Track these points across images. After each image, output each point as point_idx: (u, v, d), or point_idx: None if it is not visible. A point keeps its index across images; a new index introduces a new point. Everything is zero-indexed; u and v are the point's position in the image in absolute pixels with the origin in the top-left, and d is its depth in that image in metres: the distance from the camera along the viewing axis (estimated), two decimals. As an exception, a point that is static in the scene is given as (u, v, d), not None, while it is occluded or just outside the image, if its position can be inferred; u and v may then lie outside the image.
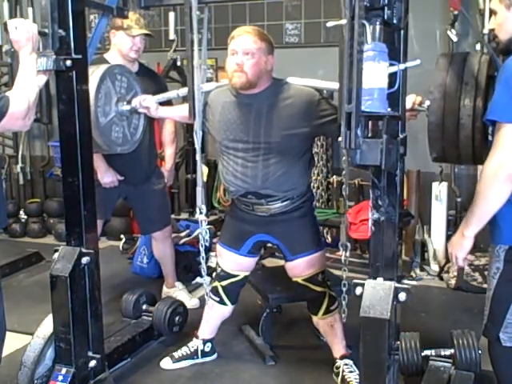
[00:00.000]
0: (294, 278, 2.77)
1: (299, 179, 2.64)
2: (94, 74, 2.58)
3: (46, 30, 2.12)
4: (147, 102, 2.79)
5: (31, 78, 2.10)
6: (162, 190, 3.58)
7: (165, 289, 3.74)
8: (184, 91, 2.68)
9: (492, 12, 1.98)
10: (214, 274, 2.92)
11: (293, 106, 2.55)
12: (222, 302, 2.87)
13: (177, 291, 3.67)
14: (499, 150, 1.76)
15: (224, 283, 2.84)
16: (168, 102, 3.05)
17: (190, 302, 3.56)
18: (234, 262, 2.82)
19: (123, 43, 3.25)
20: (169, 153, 3.66)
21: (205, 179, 2.51)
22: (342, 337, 2.77)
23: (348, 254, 2.12)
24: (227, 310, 2.91)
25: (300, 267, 2.72)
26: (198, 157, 2.42)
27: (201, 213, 2.42)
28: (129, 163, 3.22)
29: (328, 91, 3.54)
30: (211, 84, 2.77)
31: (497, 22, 1.94)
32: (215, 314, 2.93)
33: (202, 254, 2.54)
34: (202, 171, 2.51)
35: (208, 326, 2.97)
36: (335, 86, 2.63)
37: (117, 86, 2.76)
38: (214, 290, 2.86)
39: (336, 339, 2.77)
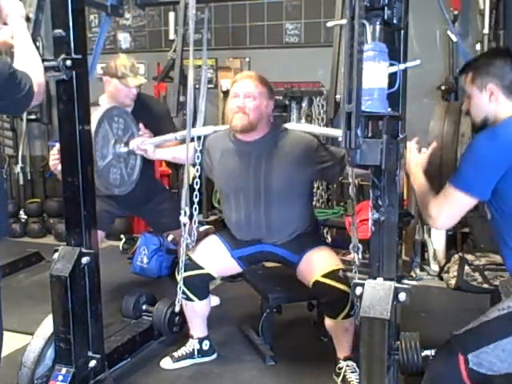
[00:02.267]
0: (313, 279, 2.59)
1: (303, 217, 2.72)
2: (92, 117, 2.57)
3: (31, 15, 2.07)
4: (144, 145, 2.81)
5: (31, 45, 1.95)
6: (167, 196, 3.50)
7: None
8: (181, 134, 2.75)
9: (466, 94, 2.03)
10: (176, 268, 2.75)
11: (292, 154, 2.61)
12: (188, 298, 2.77)
13: None
14: (443, 204, 1.93)
15: (185, 274, 2.66)
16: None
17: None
18: (214, 256, 2.76)
19: (118, 91, 3.16)
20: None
21: (190, 181, 2.49)
22: (351, 340, 2.65)
23: (360, 256, 2.15)
24: (198, 306, 2.79)
25: (312, 261, 2.63)
26: (186, 160, 2.42)
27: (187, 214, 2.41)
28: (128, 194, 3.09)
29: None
30: (209, 128, 2.78)
31: (471, 104, 2.00)
32: (191, 312, 2.87)
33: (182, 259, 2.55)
34: (189, 172, 2.51)
35: (195, 325, 2.92)
36: (333, 132, 2.74)
37: (114, 127, 2.79)
38: (178, 287, 2.70)
39: (345, 343, 2.67)
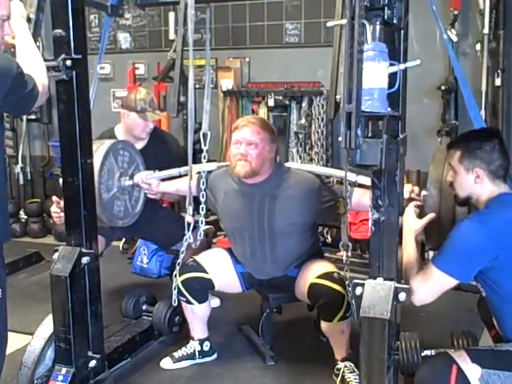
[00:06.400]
0: (308, 283, 2.64)
1: (308, 248, 2.76)
2: (98, 151, 2.63)
3: (31, 16, 2.09)
4: (149, 180, 2.84)
5: (33, 46, 1.96)
6: (167, 212, 3.50)
7: None
8: (185, 169, 2.72)
9: (451, 167, 2.06)
10: (178, 268, 2.65)
11: (294, 197, 2.64)
12: (187, 301, 2.77)
13: None
14: (424, 281, 1.95)
15: (185, 276, 2.68)
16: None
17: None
18: (219, 266, 2.78)
19: (135, 125, 3.19)
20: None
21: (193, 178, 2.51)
22: (348, 341, 2.68)
23: (350, 253, 2.15)
24: (197, 309, 2.79)
25: (308, 270, 2.70)
26: (189, 159, 2.40)
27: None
28: None
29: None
30: (212, 164, 2.80)
31: (456, 180, 2.04)
32: (192, 314, 2.86)
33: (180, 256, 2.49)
34: (191, 172, 2.50)
35: (195, 326, 2.92)
36: (335, 172, 2.77)
37: (119, 161, 2.82)
38: (178, 289, 2.67)
39: (342, 344, 2.69)
